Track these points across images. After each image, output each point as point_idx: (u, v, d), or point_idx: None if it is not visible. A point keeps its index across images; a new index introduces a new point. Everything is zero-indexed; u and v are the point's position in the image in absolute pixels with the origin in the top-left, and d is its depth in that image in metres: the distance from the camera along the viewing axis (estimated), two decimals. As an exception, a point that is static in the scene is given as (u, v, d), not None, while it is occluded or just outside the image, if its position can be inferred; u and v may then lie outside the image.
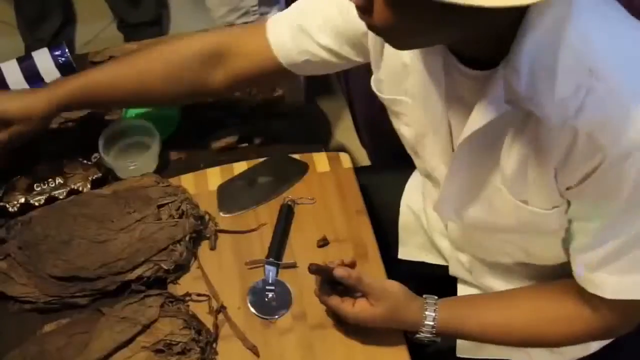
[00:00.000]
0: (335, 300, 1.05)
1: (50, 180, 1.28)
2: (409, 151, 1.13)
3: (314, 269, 1.05)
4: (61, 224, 1.19)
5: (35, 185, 1.27)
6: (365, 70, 1.83)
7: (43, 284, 1.15)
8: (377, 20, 0.77)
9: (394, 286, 1.05)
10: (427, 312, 1.03)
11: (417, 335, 1.05)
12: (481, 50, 0.85)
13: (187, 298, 1.14)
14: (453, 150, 0.99)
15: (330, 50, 1.12)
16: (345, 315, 1.04)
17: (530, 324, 1.02)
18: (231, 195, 1.28)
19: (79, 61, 1.47)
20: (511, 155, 0.90)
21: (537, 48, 0.80)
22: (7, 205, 1.23)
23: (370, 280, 1.03)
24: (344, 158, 1.33)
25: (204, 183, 1.29)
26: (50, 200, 1.24)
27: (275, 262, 1.18)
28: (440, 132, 0.98)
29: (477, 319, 1.04)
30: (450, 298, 1.07)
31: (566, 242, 1.00)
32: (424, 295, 1.06)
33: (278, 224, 1.22)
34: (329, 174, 1.31)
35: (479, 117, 0.88)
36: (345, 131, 2.23)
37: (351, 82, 1.93)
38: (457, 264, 1.21)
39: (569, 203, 0.91)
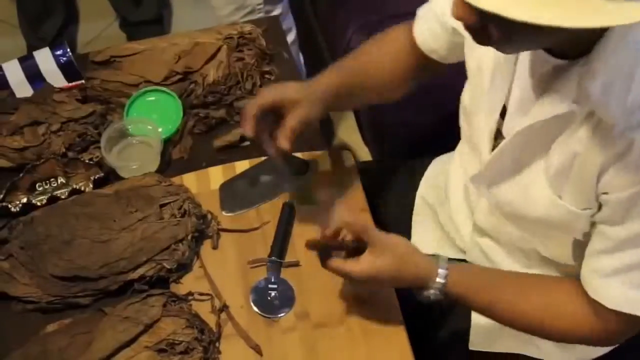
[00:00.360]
0: (337, 262, 1.00)
1: (52, 179, 1.28)
2: (463, 119, 1.13)
3: (312, 245, 1.03)
4: (63, 224, 1.19)
5: (37, 185, 1.27)
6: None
7: (45, 284, 1.15)
8: (491, 43, 0.82)
9: (400, 239, 1.01)
10: (440, 270, 0.99)
11: (425, 292, 1.00)
12: (564, 43, 0.86)
13: (190, 297, 1.14)
14: (499, 129, 1.01)
15: (454, 31, 1.10)
16: (350, 274, 0.99)
17: (536, 314, 1.00)
18: (233, 194, 1.27)
19: (81, 61, 1.46)
20: (561, 150, 0.91)
21: (618, 54, 0.81)
22: (10, 205, 1.23)
23: (374, 232, 0.99)
24: (347, 156, 1.33)
25: (206, 182, 1.29)
26: (53, 200, 1.24)
27: (278, 260, 1.18)
28: (495, 110, 0.99)
29: (488, 294, 1.02)
30: (460, 264, 1.04)
31: (577, 248, 1.00)
32: (433, 253, 1.04)
33: (280, 222, 1.22)
34: (331, 172, 1.30)
35: (545, 110, 0.89)
36: (347, 129, 2.23)
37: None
38: (477, 250, 1.20)
39: (599, 207, 0.92)
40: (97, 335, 1.07)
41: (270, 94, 1.08)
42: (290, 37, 1.88)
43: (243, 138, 1.35)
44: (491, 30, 0.79)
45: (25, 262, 1.16)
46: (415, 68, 1.20)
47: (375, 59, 1.20)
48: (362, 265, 0.98)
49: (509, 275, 1.08)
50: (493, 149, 1.01)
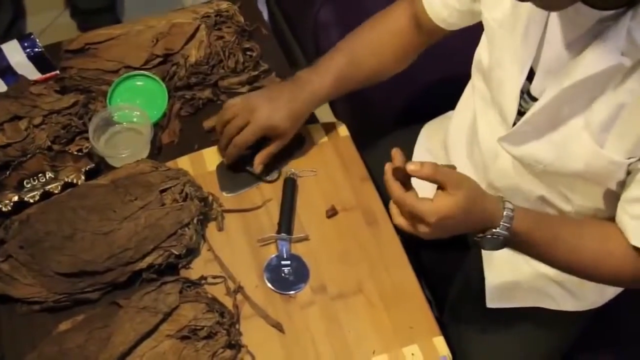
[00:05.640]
0: (411, 198, 0.91)
1: (40, 175, 1.23)
2: (479, 78, 1.13)
3: (393, 169, 0.94)
4: (61, 219, 1.14)
5: (25, 182, 1.22)
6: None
7: (50, 283, 1.10)
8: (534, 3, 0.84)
9: (466, 175, 0.94)
10: (506, 205, 0.94)
11: (491, 231, 0.93)
12: None
13: (203, 281, 1.12)
14: (522, 90, 1.00)
15: None
16: (424, 214, 0.90)
17: (591, 253, 0.99)
18: (231, 175, 1.25)
19: (52, 50, 1.41)
20: (607, 102, 0.90)
21: None
22: (0, 205, 1.18)
23: (446, 169, 0.91)
24: (340, 127, 1.32)
25: (202, 164, 1.26)
26: (45, 195, 1.19)
27: (287, 236, 1.16)
28: (524, 67, 0.99)
29: (550, 230, 0.98)
30: (516, 205, 0.97)
31: (607, 199, 1.02)
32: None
33: (284, 198, 1.20)
34: (327, 143, 1.29)
35: (591, 65, 0.88)
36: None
37: (323, 53, 1.90)
38: None
39: None
40: (116, 328, 1.04)
41: (260, 124, 1.18)
42: None
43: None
44: None
45: (26, 261, 1.11)
46: (417, 44, 1.23)
47: (378, 40, 1.21)
48: (437, 203, 0.90)
49: (564, 216, 1.07)
50: (519, 109, 1.02)
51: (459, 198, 0.89)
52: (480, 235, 0.95)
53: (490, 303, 1.20)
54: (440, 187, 0.91)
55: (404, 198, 0.91)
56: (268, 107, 1.18)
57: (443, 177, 0.89)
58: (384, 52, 1.23)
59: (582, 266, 1.00)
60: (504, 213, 0.92)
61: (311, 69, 1.23)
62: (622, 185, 0.98)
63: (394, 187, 0.92)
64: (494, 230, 0.93)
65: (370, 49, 1.23)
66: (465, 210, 0.89)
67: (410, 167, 0.89)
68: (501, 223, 0.92)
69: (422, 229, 0.91)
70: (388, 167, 0.93)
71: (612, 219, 1.01)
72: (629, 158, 0.93)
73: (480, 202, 0.92)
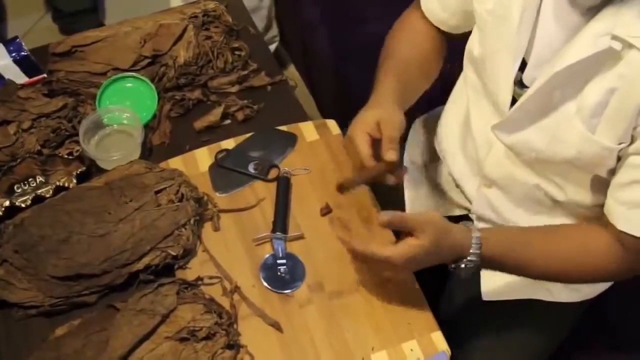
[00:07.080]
0: (374, 246, 0.96)
1: (30, 179, 1.22)
2: (471, 70, 1.14)
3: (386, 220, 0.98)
4: (56, 222, 1.13)
5: (15, 187, 1.21)
6: (331, 38, 1.82)
7: (46, 286, 1.10)
8: None
9: (433, 214, 0.97)
10: (473, 234, 0.97)
11: (462, 261, 0.98)
12: None
13: (199, 282, 1.11)
14: (514, 79, 1.01)
15: None
16: (390, 258, 0.95)
17: (571, 256, 1.01)
18: (224, 174, 1.24)
19: (38, 53, 1.40)
20: (597, 87, 0.91)
21: None
22: (-9, 211, 1.17)
23: (413, 215, 0.96)
24: (332, 125, 1.32)
25: (194, 165, 1.25)
26: (37, 199, 1.18)
27: (282, 235, 1.16)
28: (518, 55, 1.00)
29: (523, 249, 1.01)
30: (489, 228, 1.01)
31: (596, 185, 1.03)
32: (460, 222, 1.03)
33: (279, 197, 1.20)
34: (319, 142, 1.29)
35: (581, 50, 0.89)
36: (306, 106, 2.21)
37: (310, 52, 1.90)
38: (483, 202, 1.20)
39: (632, 140, 0.93)
40: (113, 332, 1.03)
41: (363, 127, 1.06)
42: None
43: (224, 117, 1.33)
44: None
45: (22, 266, 1.10)
46: (441, 46, 1.22)
47: (407, 54, 1.19)
48: (403, 248, 0.95)
49: (537, 227, 1.08)
50: (512, 97, 1.02)
51: (423, 241, 0.94)
52: (453, 265, 1.00)
53: (486, 296, 1.21)
54: (409, 233, 0.96)
55: (364, 249, 0.98)
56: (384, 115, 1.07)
57: (412, 224, 0.95)
58: (418, 64, 1.20)
59: (565, 273, 1.04)
60: (472, 241, 0.97)
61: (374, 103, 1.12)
62: (613, 172, 1.00)
63: (355, 242, 0.99)
64: (464, 259, 0.98)
65: (407, 64, 1.18)
66: (432, 249, 0.95)
67: (381, 221, 0.96)
68: (470, 251, 0.97)
69: (389, 273, 1.01)
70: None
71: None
72: (620, 144, 0.94)
73: (447, 238, 0.97)
